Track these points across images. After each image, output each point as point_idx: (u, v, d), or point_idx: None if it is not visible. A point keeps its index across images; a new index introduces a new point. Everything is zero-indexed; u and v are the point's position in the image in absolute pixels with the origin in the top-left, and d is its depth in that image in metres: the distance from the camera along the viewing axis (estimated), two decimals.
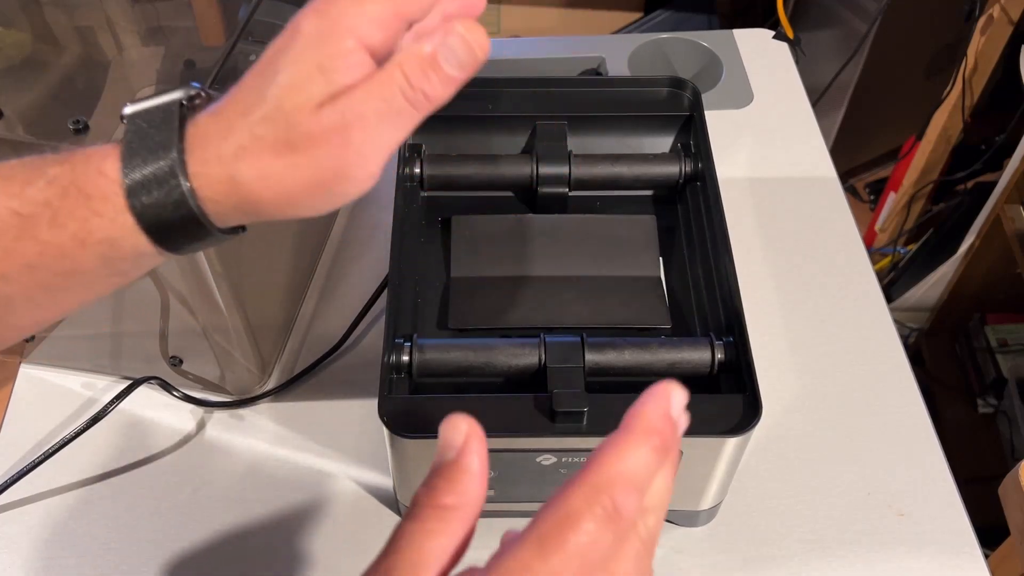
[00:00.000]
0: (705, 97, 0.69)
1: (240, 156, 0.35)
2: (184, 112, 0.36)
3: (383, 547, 0.33)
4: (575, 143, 0.67)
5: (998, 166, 1.46)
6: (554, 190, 0.65)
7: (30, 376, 0.71)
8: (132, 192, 0.35)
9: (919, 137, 1.57)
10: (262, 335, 0.68)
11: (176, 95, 0.37)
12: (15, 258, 0.36)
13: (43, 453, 0.62)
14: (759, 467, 0.65)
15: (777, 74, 0.94)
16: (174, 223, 0.36)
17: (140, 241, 0.36)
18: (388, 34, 0.36)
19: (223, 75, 0.57)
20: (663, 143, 0.69)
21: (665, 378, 0.56)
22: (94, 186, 0.35)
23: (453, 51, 0.36)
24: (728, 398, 0.53)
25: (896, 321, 0.74)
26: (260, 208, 0.37)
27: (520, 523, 0.64)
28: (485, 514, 0.63)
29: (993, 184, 1.35)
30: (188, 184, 0.35)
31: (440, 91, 0.37)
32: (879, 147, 1.86)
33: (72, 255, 0.36)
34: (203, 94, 0.37)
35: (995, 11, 1.34)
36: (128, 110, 0.36)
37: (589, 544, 0.31)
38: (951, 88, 1.43)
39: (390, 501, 0.63)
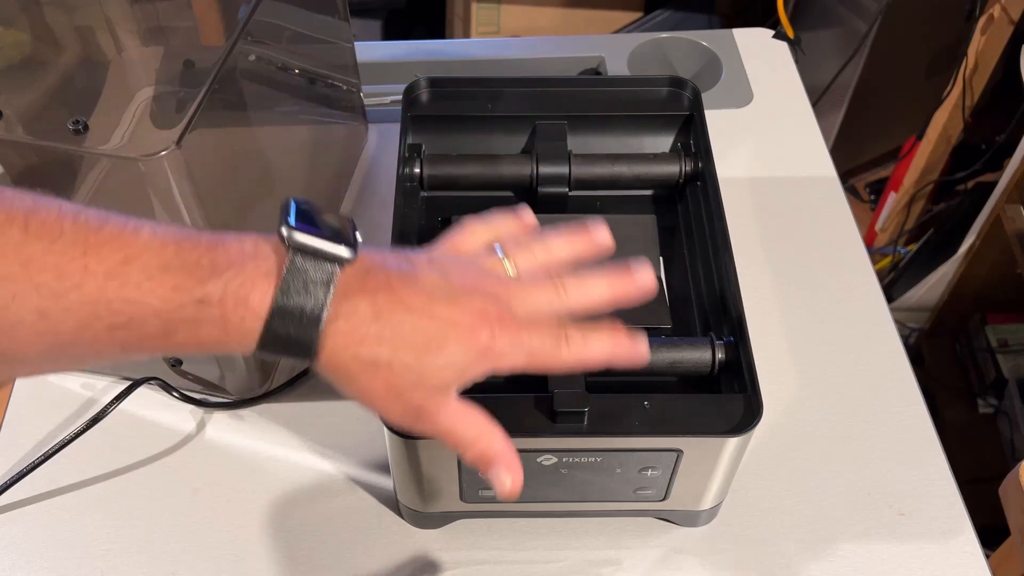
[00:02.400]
0: (705, 97, 0.69)
1: (365, 366, 0.42)
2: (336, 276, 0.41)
3: None
4: (575, 143, 0.67)
5: (998, 166, 1.47)
6: (554, 190, 0.65)
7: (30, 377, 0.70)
8: (268, 336, 0.40)
9: (919, 137, 1.57)
10: None
11: (342, 253, 0.40)
12: (144, 346, 0.39)
13: (43, 454, 0.62)
14: (760, 466, 0.65)
15: (777, 74, 0.94)
16: (283, 355, 0.41)
17: (247, 352, 0.41)
18: None
19: (223, 75, 0.57)
20: (663, 143, 0.69)
21: (666, 378, 0.57)
22: (239, 323, 0.39)
23: (494, 479, 0.46)
24: (728, 398, 0.53)
25: (896, 321, 0.74)
26: (344, 388, 0.44)
27: (521, 523, 0.64)
28: (485, 514, 0.63)
29: (993, 184, 1.35)
30: (316, 354, 0.41)
31: (468, 461, 0.47)
32: (879, 147, 1.86)
33: (184, 350, 0.40)
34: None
35: (995, 11, 1.34)
36: (298, 238, 0.40)
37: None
38: (951, 88, 1.43)
39: (390, 501, 0.63)
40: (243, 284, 0.39)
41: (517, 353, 0.44)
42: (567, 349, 0.45)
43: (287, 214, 0.41)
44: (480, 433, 0.45)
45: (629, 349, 0.46)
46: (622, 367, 0.46)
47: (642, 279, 0.49)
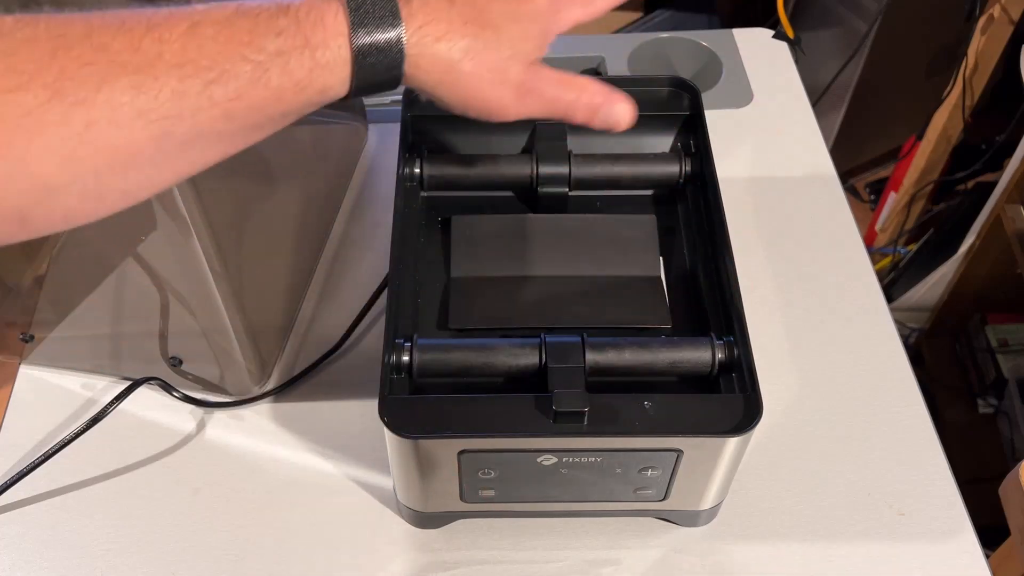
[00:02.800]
0: (705, 97, 0.69)
1: (462, 54, 0.43)
2: None
3: None
4: (575, 143, 0.67)
5: (998, 166, 1.47)
6: (554, 190, 0.65)
7: (30, 377, 0.71)
8: (359, 54, 0.41)
9: (919, 137, 1.57)
10: (262, 335, 0.68)
11: None
12: (244, 100, 0.39)
13: (43, 454, 0.62)
14: (760, 466, 0.65)
15: (777, 74, 0.94)
16: (379, 82, 0.42)
17: (344, 90, 0.42)
18: None
19: None
20: (663, 143, 0.69)
21: (666, 378, 0.57)
22: (323, 43, 0.40)
23: (611, 114, 0.50)
24: (728, 398, 0.53)
25: (896, 321, 0.74)
26: (450, 91, 0.45)
27: (521, 523, 0.65)
28: (485, 514, 0.63)
29: (993, 184, 1.35)
30: (404, 56, 0.42)
31: (580, 119, 0.50)
32: (879, 147, 1.86)
33: (288, 99, 0.40)
34: None
35: (995, 11, 1.34)
36: None
37: None
38: (951, 88, 1.43)
39: (390, 501, 0.63)
40: (312, 9, 0.40)
41: (573, 4, 0.48)
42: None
43: None
44: (581, 88, 0.49)
45: None
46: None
47: None
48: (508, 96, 0.46)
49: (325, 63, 0.40)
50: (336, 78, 0.41)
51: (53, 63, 0.36)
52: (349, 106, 0.84)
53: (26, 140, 0.35)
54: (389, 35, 0.41)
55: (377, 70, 0.42)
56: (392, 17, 0.41)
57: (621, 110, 0.50)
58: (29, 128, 0.35)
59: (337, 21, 0.40)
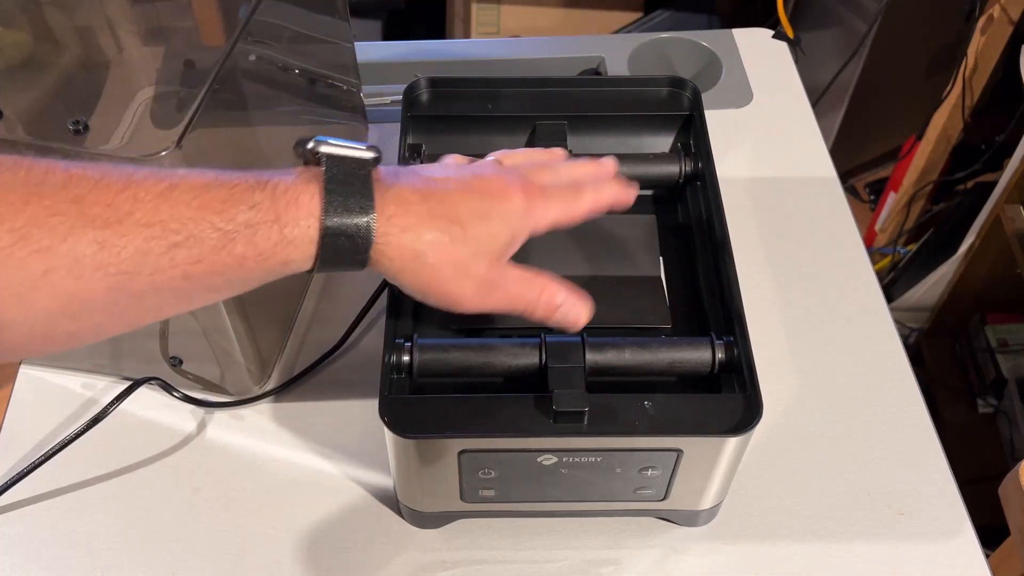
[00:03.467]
0: (705, 97, 0.69)
1: (428, 246, 0.45)
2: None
3: None
4: (575, 143, 0.67)
5: (998, 166, 1.46)
6: None
7: (30, 377, 0.71)
8: (327, 235, 0.42)
9: (919, 137, 1.57)
10: (262, 335, 0.68)
11: (367, 155, 0.45)
12: (205, 264, 0.40)
13: (43, 454, 0.62)
14: (760, 466, 0.65)
15: (777, 74, 0.94)
16: (344, 263, 0.44)
17: (307, 266, 0.43)
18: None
19: (223, 75, 0.57)
20: (663, 143, 0.69)
21: (666, 378, 0.57)
22: (293, 221, 0.42)
23: (570, 313, 0.52)
24: (728, 398, 0.53)
25: (896, 321, 0.74)
26: (412, 280, 0.46)
27: (521, 523, 0.64)
28: (485, 514, 0.63)
29: (993, 184, 1.35)
30: (372, 243, 0.44)
31: (539, 316, 0.52)
32: (879, 147, 1.86)
33: (249, 267, 0.42)
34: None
35: (995, 11, 1.34)
36: (324, 149, 0.44)
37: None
38: (951, 88, 1.43)
39: (390, 501, 0.63)
40: (288, 188, 0.42)
41: (549, 208, 0.50)
42: (586, 196, 0.52)
43: (306, 139, 0.44)
44: (542, 287, 0.51)
45: (627, 194, 0.55)
46: (621, 208, 0.55)
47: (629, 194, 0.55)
48: (469, 290, 0.48)
49: (292, 239, 0.42)
50: (301, 254, 0.43)
51: (25, 209, 0.37)
52: (349, 106, 0.84)
53: None
54: (359, 221, 0.43)
55: (343, 252, 0.43)
56: (366, 205, 0.43)
57: (580, 309, 0.52)
58: None
59: (312, 203, 0.42)
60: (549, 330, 0.56)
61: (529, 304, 0.50)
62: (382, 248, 0.44)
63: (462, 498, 0.57)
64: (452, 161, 0.54)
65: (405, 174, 0.47)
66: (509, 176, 0.49)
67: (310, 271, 0.44)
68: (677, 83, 0.69)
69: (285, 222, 0.41)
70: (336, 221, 0.42)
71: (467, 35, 1.83)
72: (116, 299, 0.39)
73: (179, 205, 0.39)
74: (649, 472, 0.55)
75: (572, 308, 0.52)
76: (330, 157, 0.44)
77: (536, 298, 0.50)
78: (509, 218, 0.48)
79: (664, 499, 0.58)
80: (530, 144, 0.67)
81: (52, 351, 0.42)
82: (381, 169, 0.46)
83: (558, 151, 0.58)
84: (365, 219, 0.43)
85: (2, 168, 0.38)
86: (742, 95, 0.92)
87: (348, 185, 0.43)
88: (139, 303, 0.40)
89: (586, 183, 0.53)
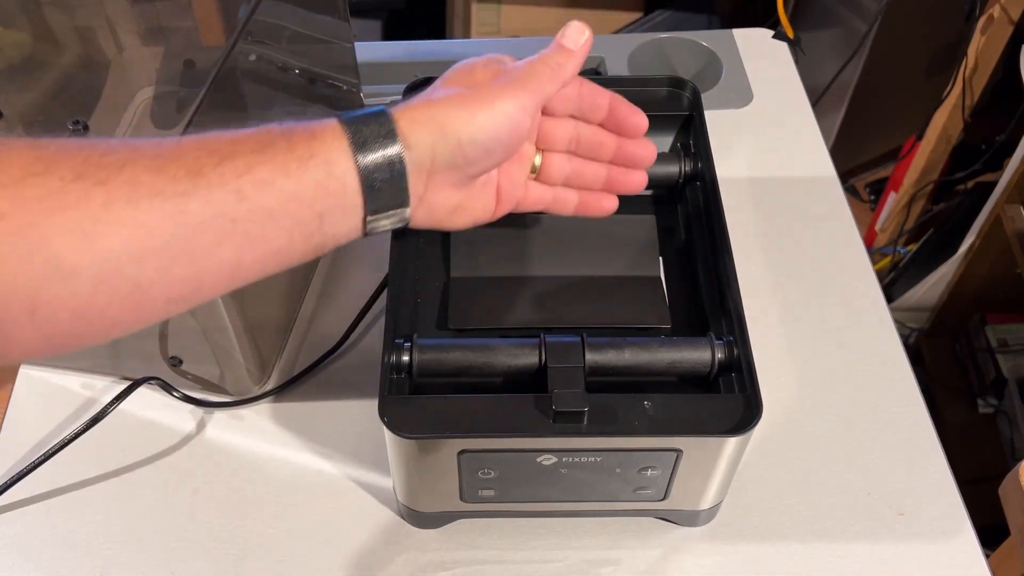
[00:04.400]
0: (705, 97, 0.69)
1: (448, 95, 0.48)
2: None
3: None
4: None
5: (998, 166, 1.47)
6: None
7: (30, 376, 0.71)
8: (362, 166, 0.44)
9: (919, 137, 1.57)
10: (262, 335, 0.68)
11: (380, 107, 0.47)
12: (255, 175, 0.41)
13: (43, 454, 0.62)
14: (759, 467, 0.65)
15: (777, 74, 0.94)
16: (380, 154, 0.45)
17: (352, 173, 0.44)
18: None
19: (223, 75, 0.57)
20: (663, 143, 0.69)
21: (665, 378, 0.57)
22: (321, 138, 0.44)
23: (571, 41, 0.56)
24: (728, 398, 0.53)
25: (896, 321, 0.74)
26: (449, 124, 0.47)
27: (520, 523, 0.64)
28: (485, 514, 0.63)
29: (993, 184, 1.35)
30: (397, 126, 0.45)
31: None
32: (879, 147, 1.86)
33: (293, 175, 0.42)
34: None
35: (995, 11, 1.34)
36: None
37: None
38: (951, 88, 1.43)
39: (390, 501, 0.63)
40: (313, 126, 0.44)
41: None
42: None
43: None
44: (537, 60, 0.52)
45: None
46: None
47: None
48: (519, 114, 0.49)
49: (326, 151, 0.44)
50: (343, 169, 0.44)
51: (79, 153, 0.38)
52: (349, 106, 0.84)
53: (46, 218, 0.36)
54: (381, 120, 0.45)
55: (382, 171, 0.45)
56: (383, 118, 0.46)
57: (579, 31, 0.56)
58: (50, 206, 0.36)
59: (336, 130, 0.44)
60: (549, 330, 0.56)
61: (542, 71, 0.51)
62: (407, 124, 0.45)
63: (462, 498, 0.57)
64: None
65: (412, 101, 0.49)
66: (491, 63, 0.51)
67: (361, 185, 0.45)
68: (677, 83, 0.69)
69: (315, 135, 0.43)
70: (362, 144, 0.44)
71: (467, 35, 1.83)
72: (175, 232, 0.39)
73: (223, 137, 0.42)
74: (649, 472, 0.55)
75: (574, 33, 0.55)
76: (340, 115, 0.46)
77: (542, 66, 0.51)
78: (511, 101, 0.49)
79: (664, 499, 0.58)
80: None
81: (115, 313, 0.40)
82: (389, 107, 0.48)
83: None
84: (386, 119, 0.45)
85: (57, 140, 0.39)
86: (742, 95, 0.92)
87: (361, 119, 0.45)
88: (198, 238, 0.40)
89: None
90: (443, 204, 0.50)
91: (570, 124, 0.55)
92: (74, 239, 0.37)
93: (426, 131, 0.46)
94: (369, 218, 0.46)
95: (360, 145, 0.44)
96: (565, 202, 0.57)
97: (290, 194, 0.42)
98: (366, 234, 0.47)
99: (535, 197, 0.56)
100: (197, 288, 0.42)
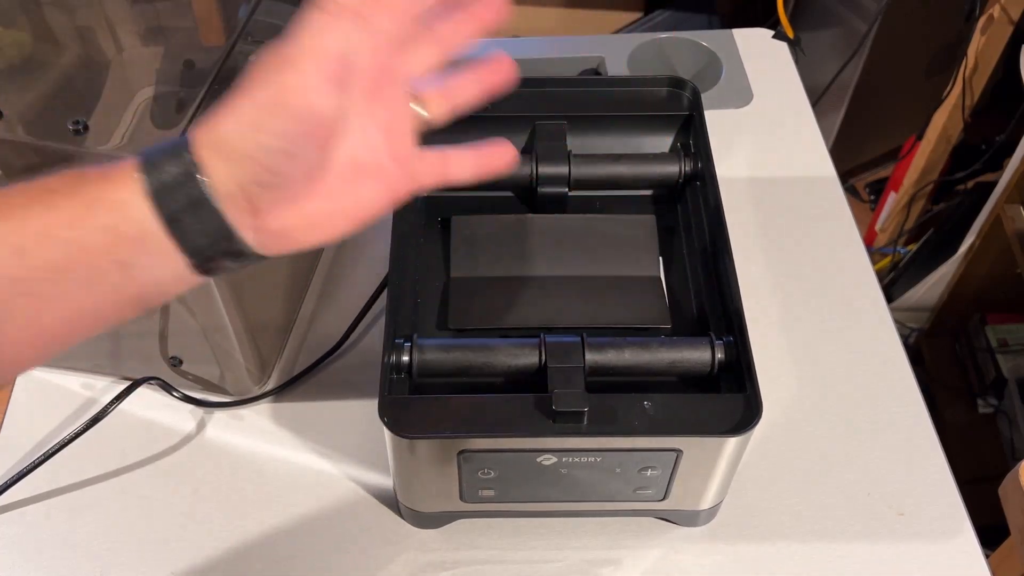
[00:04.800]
0: (705, 97, 0.69)
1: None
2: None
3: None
4: (575, 143, 0.67)
5: (998, 166, 1.46)
6: (554, 190, 0.65)
7: (30, 377, 0.71)
8: (147, 167, 0.38)
9: (919, 137, 1.57)
10: (262, 335, 0.68)
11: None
12: (30, 228, 0.37)
13: (43, 454, 0.62)
14: (760, 466, 0.65)
15: (777, 74, 0.94)
16: (172, 185, 0.38)
17: (147, 224, 0.38)
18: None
19: (223, 75, 0.57)
20: (663, 143, 0.69)
21: (665, 378, 0.57)
22: (109, 180, 0.38)
23: None
24: (728, 398, 0.53)
25: (896, 321, 0.74)
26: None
27: (520, 523, 0.64)
28: (485, 514, 0.63)
29: (993, 184, 1.35)
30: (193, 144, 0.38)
31: None
32: (879, 147, 1.86)
33: (79, 225, 0.37)
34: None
35: (995, 11, 1.34)
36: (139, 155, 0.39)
37: None
38: (951, 88, 1.43)
39: (390, 501, 0.63)
40: (103, 167, 0.38)
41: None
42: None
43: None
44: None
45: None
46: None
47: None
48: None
49: (113, 193, 0.38)
50: (127, 204, 0.37)
51: None
52: None
53: None
54: (175, 148, 0.38)
55: (176, 193, 0.38)
56: (176, 145, 0.38)
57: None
58: None
59: (126, 166, 0.38)
60: (549, 330, 0.56)
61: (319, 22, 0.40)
62: (206, 153, 0.38)
63: (462, 498, 0.57)
64: None
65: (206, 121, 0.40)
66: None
67: (166, 232, 0.38)
68: (677, 83, 0.69)
69: (103, 181, 0.37)
70: (154, 171, 0.37)
71: None
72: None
73: (5, 192, 0.37)
74: (648, 472, 0.55)
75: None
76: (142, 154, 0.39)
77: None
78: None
79: (664, 499, 0.58)
80: (530, 145, 0.67)
81: None
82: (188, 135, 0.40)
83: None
84: (184, 151, 0.38)
85: None
86: (742, 95, 0.92)
87: (157, 149, 0.39)
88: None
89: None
90: (294, 224, 0.41)
91: (423, 41, 0.43)
92: None
93: (218, 157, 0.38)
94: (194, 261, 0.39)
95: (157, 183, 0.37)
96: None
97: (77, 245, 0.37)
98: (207, 275, 0.40)
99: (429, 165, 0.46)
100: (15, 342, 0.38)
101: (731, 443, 0.52)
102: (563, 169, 0.65)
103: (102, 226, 0.37)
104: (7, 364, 0.39)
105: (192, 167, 0.38)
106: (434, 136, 0.68)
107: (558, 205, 0.66)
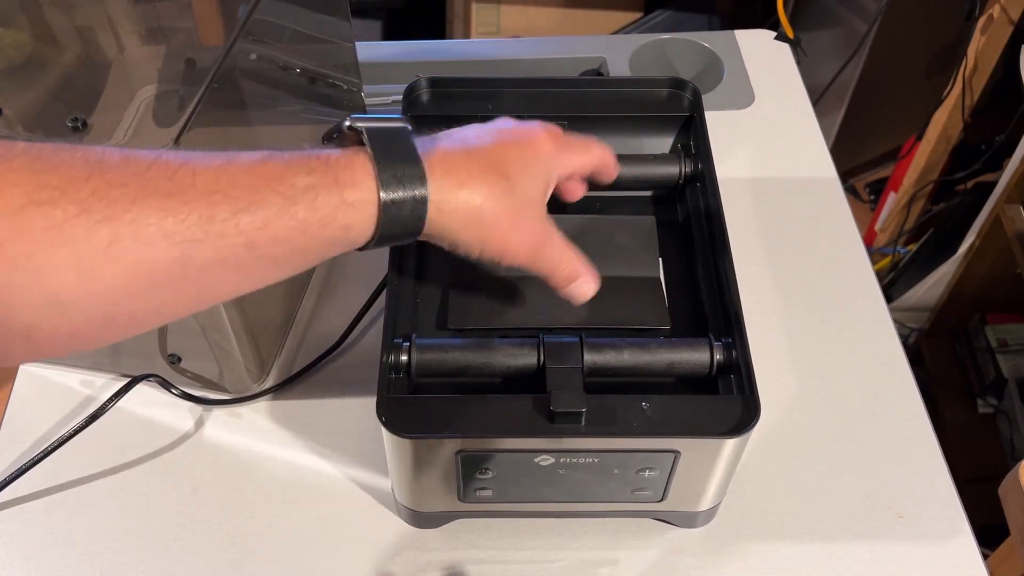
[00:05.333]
0: (706, 98, 0.69)
1: (480, 200, 0.46)
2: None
3: None
4: None
5: (998, 166, 1.46)
6: None
7: (29, 374, 0.71)
8: (385, 200, 0.43)
9: (919, 137, 1.57)
10: (261, 333, 0.68)
11: (403, 125, 0.46)
12: (269, 230, 0.40)
13: (42, 451, 0.62)
14: (759, 467, 0.65)
15: (778, 75, 0.94)
16: (403, 221, 0.44)
17: (368, 231, 0.44)
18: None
19: (222, 74, 0.57)
20: (663, 143, 0.69)
21: (664, 379, 0.57)
22: (351, 183, 0.42)
23: (581, 285, 0.53)
24: (727, 399, 0.53)
25: (896, 321, 0.74)
26: (464, 235, 0.47)
27: (519, 523, 0.64)
28: (483, 514, 0.63)
29: (993, 184, 1.35)
30: (428, 199, 0.45)
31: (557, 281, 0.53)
32: (879, 147, 1.86)
33: (311, 233, 0.42)
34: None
35: (995, 11, 1.34)
36: (360, 124, 0.45)
37: None
38: (951, 88, 1.43)
39: (388, 501, 0.64)
40: (340, 158, 0.43)
41: (572, 152, 0.53)
42: (595, 145, 0.56)
43: (335, 127, 0.46)
44: (573, 259, 0.53)
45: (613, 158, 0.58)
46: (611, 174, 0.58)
47: None
48: (526, 241, 0.49)
49: (352, 201, 0.42)
50: (360, 216, 0.43)
51: (87, 184, 0.36)
52: (350, 105, 0.84)
53: (47, 252, 0.35)
54: (413, 184, 0.44)
55: (402, 210, 0.44)
56: (415, 171, 0.44)
57: (589, 286, 0.54)
58: (52, 240, 0.35)
59: (365, 169, 0.43)
60: (548, 330, 0.56)
61: (559, 272, 0.52)
62: (439, 205, 0.45)
63: (460, 498, 0.58)
64: (471, 126, 0.55)
65: (440, 138, 0.48)
66: (533, 125, 0.51)
67: (371, 242, 0.44)
68: (677, 84, 0.69)
69: (344, 184, 0.42)
70: (392, 186, 0.43)
71: (467, 35, 1.83)
72: (181, 272, 0.39)
73: (239, 175, 0.40)
74: (647, 473, 0.55)
75: (586, 283, 0.53)
76: (368, 130, 0.45)
77: (567, 267, 0.52)
78: (545, 164, 0.50)
79: (662, 500, 0.58)
80: None
81: (109, 339, 0.40)
82: (415, 138, 0.47)
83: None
84: (418, 182, 0.44)
85: (60, 149, 0.37)
86: (744, 96, 0.92)
87: (394, 151, 0.44)
88: (203, 277, 0.40)
89: (587, 138, 0.57)
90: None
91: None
92: (73, 275, 0.36)
93: (453, 218, 0.46)
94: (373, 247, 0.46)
95: (388, 213, 0.43)
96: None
97: (302, 248, 0.42)
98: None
99: None
100: (189, 310, 0.42)
101: (729, 444, 0.52)
102: None
103: (328, 238, 0.43)
104: (194, 312, 0.43)
105: (423, 204, 0.44)
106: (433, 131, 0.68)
107: (558, 205, 0.66)
